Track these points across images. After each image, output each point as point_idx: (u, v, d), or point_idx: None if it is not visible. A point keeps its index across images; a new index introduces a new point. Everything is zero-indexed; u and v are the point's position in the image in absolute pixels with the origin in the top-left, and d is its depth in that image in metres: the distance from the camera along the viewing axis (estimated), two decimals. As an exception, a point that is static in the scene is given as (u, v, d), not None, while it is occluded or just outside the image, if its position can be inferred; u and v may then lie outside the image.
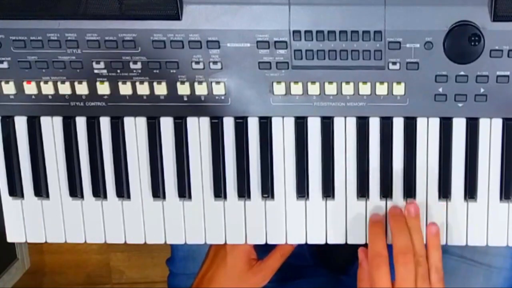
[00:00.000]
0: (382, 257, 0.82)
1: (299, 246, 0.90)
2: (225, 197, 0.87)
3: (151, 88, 0.83)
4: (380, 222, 0.85)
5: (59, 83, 0.83)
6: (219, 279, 0.92)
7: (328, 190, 0.86)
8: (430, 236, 0.84)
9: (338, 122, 0.84)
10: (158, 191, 0.86)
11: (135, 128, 0.85)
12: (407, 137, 0.84)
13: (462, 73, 0.80)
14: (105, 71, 0.82)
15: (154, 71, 0.82)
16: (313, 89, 0.82)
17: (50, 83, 0.83)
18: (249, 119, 0.84)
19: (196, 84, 0.82)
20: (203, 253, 0.97)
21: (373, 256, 0.82)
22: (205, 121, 0.85)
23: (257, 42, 0.80)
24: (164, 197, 0.87)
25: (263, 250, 0.93)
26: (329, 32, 0.80)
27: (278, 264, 0.92)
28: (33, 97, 0.84)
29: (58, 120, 0.85)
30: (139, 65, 0.82)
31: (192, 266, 1.03)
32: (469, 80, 0.81)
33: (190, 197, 0.87)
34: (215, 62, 0.82)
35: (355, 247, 0.87)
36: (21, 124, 0.86)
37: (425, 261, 0.82)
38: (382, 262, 0.82)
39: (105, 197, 0.88)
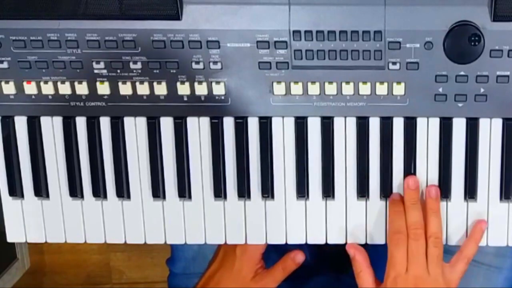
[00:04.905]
0: (402, 234, 0.83)
1: (300, 246, 0.90)
2: (225, 197, 0.87)
3: (151, 88, 0.83)
4: (400, 201, 0.85)
5: (59, 83, 0.83)
6: (225, 281, 0.92)
7: (328, 190, 0.86)
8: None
9: (338, 122, 0.84)
10: (158, 191, 0.86)
11: (135, 128, 0.85)
12: (407, 137, 0.84)
13: (462, 73, 0.80)
14: (105, 71, 0.82)
15: (154, 71, 0.82)
16: (313, 89, 0.82)
17: (50, 83, 0.83)
18: (249, 119, 0.84)
19: (196, 84, 0.82)
20: (203, 253, 0.97)
21: (393, 233, 0.84)
22: (205, 121, 0.85)
23: (257, 42, 0.80)
24: (164, 197, 0.87)
25: (273, 261, 0.93)
26: (329, 32, 0.80)
27: (280, 277, 0.92)
28: (33, 97, 0.84)
29: (58, 120, 0.85)
30: (139, 65, 0.82)
31: (192, 266, 1.03)
32: (469, 80, 0.81)
33: (190, 197, 0.87)
34: (215, 62, 0.81)
35: (355, 247, 0.87)
36: (21, 124, 0.86)
37: (441, 243, 0.83)
38: (401, 239, 0.83)
39: (105, 197, 0.88)
